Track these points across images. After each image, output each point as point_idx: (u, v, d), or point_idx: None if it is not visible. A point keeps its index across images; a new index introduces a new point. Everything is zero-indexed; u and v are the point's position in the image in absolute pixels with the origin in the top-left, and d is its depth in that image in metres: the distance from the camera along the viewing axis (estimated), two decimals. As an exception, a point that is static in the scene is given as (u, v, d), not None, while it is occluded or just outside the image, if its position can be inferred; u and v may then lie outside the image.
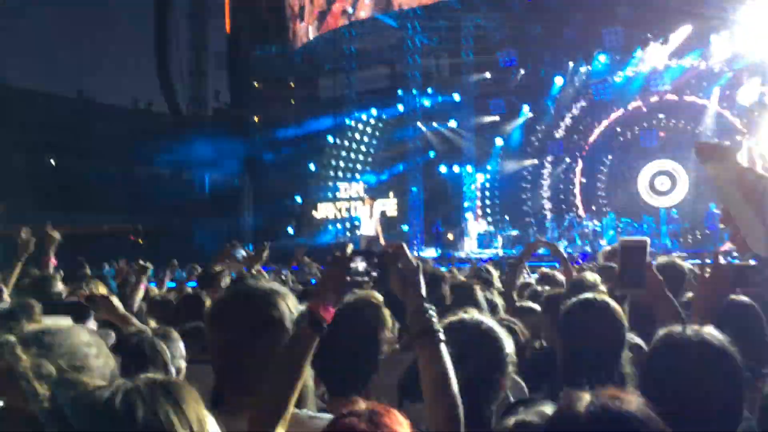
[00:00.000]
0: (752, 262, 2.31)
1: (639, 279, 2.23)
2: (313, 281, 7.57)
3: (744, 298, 2.63)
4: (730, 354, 1.65)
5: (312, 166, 27.01)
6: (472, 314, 2.09)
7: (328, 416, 1.81)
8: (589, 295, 2.41)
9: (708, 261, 2.35)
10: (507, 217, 21.61)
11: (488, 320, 2.07)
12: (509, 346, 2.02)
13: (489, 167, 23.13)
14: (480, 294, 3.28)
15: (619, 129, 21.45)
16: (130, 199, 27.29)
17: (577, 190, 22.30)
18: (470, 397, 1.73)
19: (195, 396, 1.15)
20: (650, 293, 2.25)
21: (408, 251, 1.87)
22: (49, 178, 27.97)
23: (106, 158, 26.69)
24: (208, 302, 3.62)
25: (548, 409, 1.43)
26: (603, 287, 3.25)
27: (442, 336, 1.75)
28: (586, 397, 1.18)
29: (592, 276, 3.75)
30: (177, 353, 2.55)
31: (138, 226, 24.03)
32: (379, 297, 2.29)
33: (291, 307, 1.97)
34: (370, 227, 15.59)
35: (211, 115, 31.26)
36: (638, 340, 2.61)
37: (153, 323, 3.72)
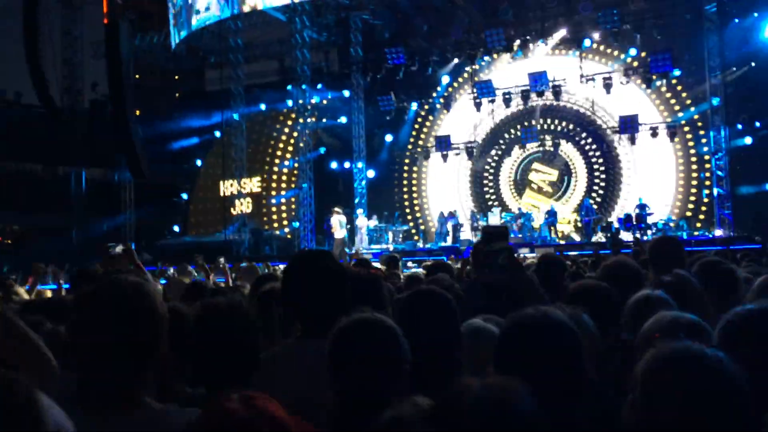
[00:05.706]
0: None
1: (499, 263, 2.31)
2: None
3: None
4: (569, 329, 1.70)
5: (198, 162, 26.20)
6: (370, 312, 2.03)
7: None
8: (423, 287, 2.42)
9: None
10: (397, 213, 21.96)
11: (390, 320, 2.02)
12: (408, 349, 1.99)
13: (378, 163, 23.38)
14: (385, 290, 2.91)
15: (502, 127, 22.32)
16: (-4, 197, 25.26)
17: (465, 186, 22.99)
18: (366, 397, 1.71)
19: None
20: (510, 275, 2.30)
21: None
22: None
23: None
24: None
25: (422, 400, 1.40)
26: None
27: None
28: (474, 385, 1.19)
29: (420, 271, 3.86)
30: None
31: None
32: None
33: (159, 300, 1.86)
34: (339, 233, 17.67)
35: (87, 108, 29.51)
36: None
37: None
